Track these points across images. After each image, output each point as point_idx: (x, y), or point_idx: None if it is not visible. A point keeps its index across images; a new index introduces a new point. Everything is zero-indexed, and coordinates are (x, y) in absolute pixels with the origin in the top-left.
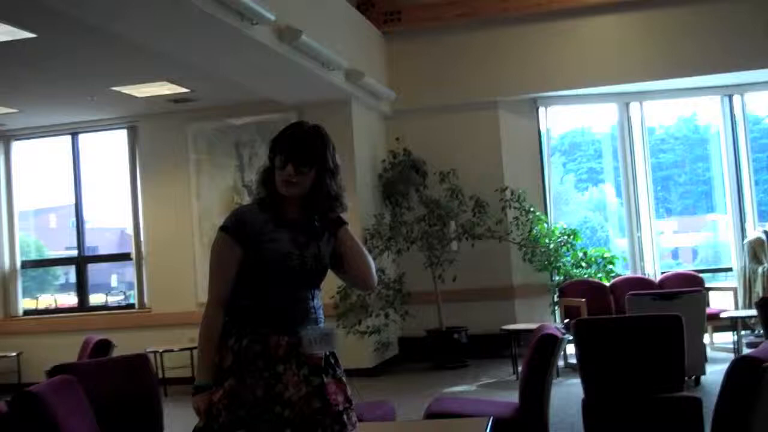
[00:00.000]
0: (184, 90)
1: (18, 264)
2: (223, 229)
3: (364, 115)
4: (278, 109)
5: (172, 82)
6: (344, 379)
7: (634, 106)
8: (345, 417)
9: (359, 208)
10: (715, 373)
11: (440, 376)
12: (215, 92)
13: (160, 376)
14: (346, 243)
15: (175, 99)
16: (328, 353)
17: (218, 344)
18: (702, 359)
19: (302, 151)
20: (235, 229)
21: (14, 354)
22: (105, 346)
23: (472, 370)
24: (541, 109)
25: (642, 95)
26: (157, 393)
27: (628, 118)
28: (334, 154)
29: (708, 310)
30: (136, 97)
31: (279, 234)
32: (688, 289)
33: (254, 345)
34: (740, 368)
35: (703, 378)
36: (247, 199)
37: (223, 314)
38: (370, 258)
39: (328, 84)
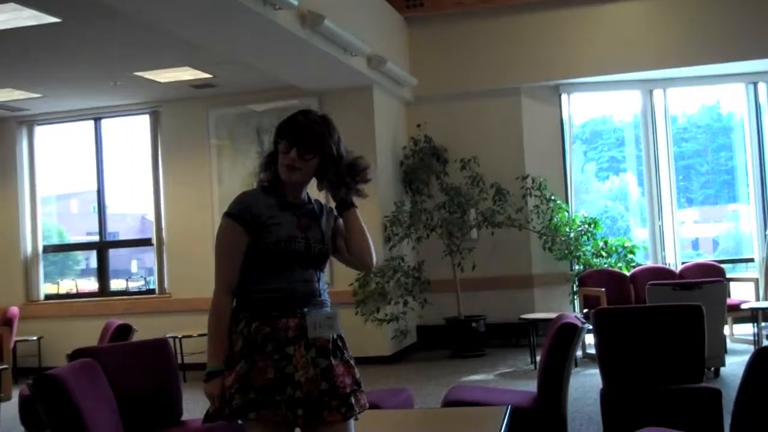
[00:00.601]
0: (206, 75)
1: (40, 249)
2: (228, 215)
3: (385, 101)
4: (300, 95)
5: (194, 67)
6: (352, 362)
7: (657, 94)
8: (352, 399)
9: (379, 194)
10: (734, 365)
11: (458, 364)
12: (237, 78)
13: (179, 361)
14: (354, 224)
15: (197, 84)
16: (335, 336)
17: (228, 330)
18: (722, 350)
19: (307, 137)
20: (240, 215)
21: (35, 338)
22: (125, 330)
23: (490, 359)
24: (564, 96)
25: (666, 82)
26: (177, 377)
27: (652, 106)
28: (340, 145)
29: (728, 301)
30: (159, 83)
31: (283, 217)
32: (709, 279)
33: (263, 328)
34: (762, 359)
35: (722, 369)
36: None
37: (231, 300)
38: (371, 240)
39: (350, 70)
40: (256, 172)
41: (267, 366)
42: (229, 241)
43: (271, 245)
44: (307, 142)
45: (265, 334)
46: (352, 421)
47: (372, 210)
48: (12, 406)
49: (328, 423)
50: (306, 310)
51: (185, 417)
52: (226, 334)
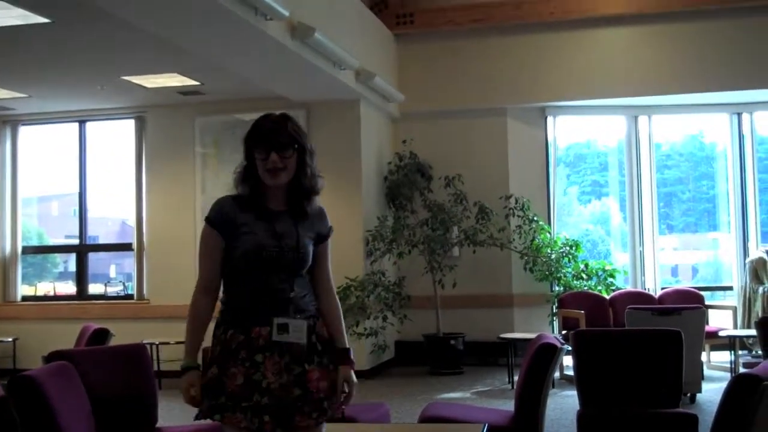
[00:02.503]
0: (194, 82)
1: (19, 250)
2: (206, 219)
3: (372, 115)
4: (287, 106)
5: (182, 73)
6: (332, 367)
7: (642, 120)
8: (326, 404)
9: (363, 208)
10: (711, 392)
11: (435, 381)
12: (225, 86)
13: (156, 368)
14: (324, 253)
15: (185, 91)
16: (314, 341)
17: (204, 329)
18: (699, 377)
19: (282, 137)
20: (215, 219)
21: (10, 339)
22: (102, 335)
23: (467, 377)
24: (550, 119)
25: (651, 109)
26: (153, 384)
27: (636, 132)
28: (307, 137)
29: (707, 328)
30: (146, 88)
31: (257, 226)
32: (688, 305)
33: (238, 335)
34: (740, 385)
35: (699, 396)
36: None
37: (208, 298)
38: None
39: (338, 83)
40: (235, 187)
41: (238, 372)
42: (207, 244)
43: (242, 253)
44: (283, 142)
45: (239, 342)
46: (324, 426)
47: (354, 224)
48: None
49: (301, 428)
50: (276, 318)
51: (160, 423)
52: (199, 332)
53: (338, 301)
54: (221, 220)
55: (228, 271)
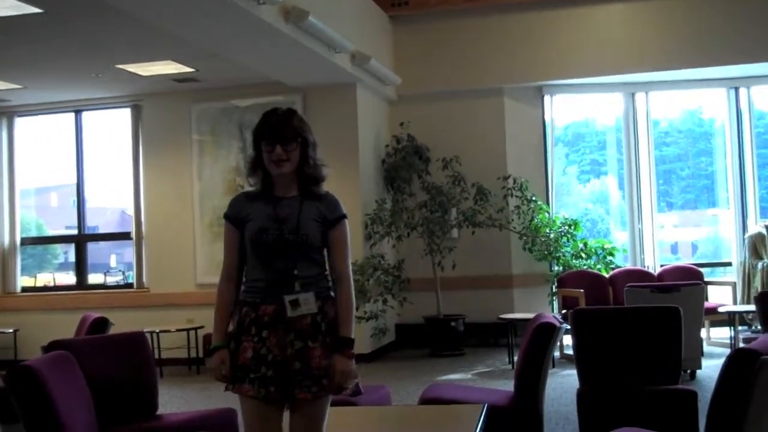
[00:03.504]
0: (189, 70)
1: (18, 241)
2: (224, 216)
3: (368, 99)
4: (283, 91)
5: (178, 61)
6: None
7: (639, 97)
8: (324, 381)
9: (361, 192)
10: (710, 368)
11: (436, 363)
12: (220, 73)
13: (156, 356)
14: (334, 239)
15: (180, 79)
16: (319, 320)
17: (229, 312)
18: (699, 353)
19: (286, 131)
20: (230, 214)
21: (11, 330)
22: (102, 324)
23: (468, 359)
24: (547, 98)
25: (648, 86)
26: (153, 371)
27: (634, 109)
28: (310, 131)
29: (706, 305)
30: (141, 76)
31: (261, 212)
32: (687, 282)
33: (250, 313)
34: (738, 360)
35: (698, 372)
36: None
37: (230, 285)
38: (353, 309)
39: (334, 67)
40: (245, 176)
41: (248, 346)
42: (225, 237)
43: (248, 238)
44: (287, 136)
45: (251, 318)
46: (326, 400)
47: (353, 207)
48: None
49: (299, 400)
50: (284, 297)
51: (161, 411)
52: (225, 315)
53: (351, 289)
54: (234, 214)
55: (245, 256)
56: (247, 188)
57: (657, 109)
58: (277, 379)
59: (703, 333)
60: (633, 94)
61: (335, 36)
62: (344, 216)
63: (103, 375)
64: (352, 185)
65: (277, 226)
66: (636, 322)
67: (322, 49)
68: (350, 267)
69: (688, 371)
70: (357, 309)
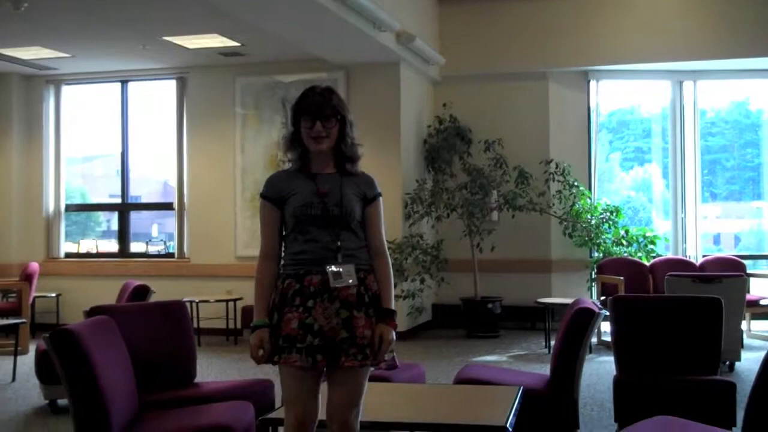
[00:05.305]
0: (235, 43)
1: (62, 208)
2: (261, 195)
3: (412, 78)
4: (327, 68)
5: (223, 34)
6: (375, 320)
7: (687, 86)
8: (368, 351)
9: (402, 171)
10: (750, 361)
11: (472, 344)
12: (265, 47)
13: (195, 325)
14: (372, 215)
15: (225, 52)
16: (362, 291)
17: (270, 290)
18: (738, 345)
19: (326, 108)
20: (268, 193)
21: (54, 295)
22: (143, 291)
23: (504, 341)
24: (592, 83)
25: (696, 74)
26: (192, 341)
27: (681, 98)
28: (348, 110)
29: (748, 297)
30: (187, 48)
31: (303, 187)
32: (729, 273)
33: (294, 284)
34: None
35: (737, 364)
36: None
37: (270, 263)
38: (391, 280)
39: (378, 45)
40: (282, 151)
41: (293, 317)
42: (263, 216)
43: (292, 212)
44: (327, 113)
45: (295, 290)
46: (367, 370)
47: (394, 186)
48: (29, 359)
49: (345, 368)
50: (328, 267)
51: (198, 379)
52: (266, 294)
53: (388, 263)
54: (273, 192)
55: (286, 231)
56: (284, 163)
57: (704, 99)
58: (323, 348)
59: (744, 325)
60: (681, 83)
61: (381, 14)
62: (380, 194)
63: (143, 342)
64: (392, 164)
65: (320, 200)
66: (676, 311)
67: (367, 26)
68: (386, 243)
69: (727, 363)
70: (395, 287)
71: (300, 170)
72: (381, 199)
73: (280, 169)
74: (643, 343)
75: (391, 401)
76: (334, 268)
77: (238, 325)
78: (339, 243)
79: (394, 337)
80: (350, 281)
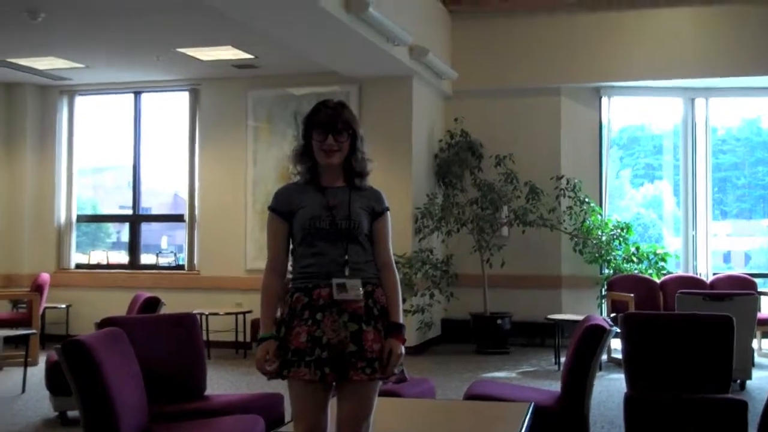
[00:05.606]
0: (248, 56)
1: (74, 218)
2: (269, 208)
3: (424, 92)
4: (339, 82)
5: (237, 47)
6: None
7: (699, 103)
8: (376, 364)
9: (412, 185)
10: (761, 379)
11: (481, 360)
12: (278, 60)
13: (204, 338)
14: (380, 230)
15: (238, 65)
16: (371, 305)
17: (276, 303)
18: (749, 364)
19: (338, 122)
20: (276, 206)
21: (64, 306)
22: (154, 303)
23: (513, 357)
24: (604, 99)
25: (708, 92)
26: (202, 353)
27: (693, 115)
28: (360, 125)
29: (759, 315)
30: (200, 60)
31: (311, 200)
32: (740, 291)
33: (302, 297)
34: None
35: (748, 383)
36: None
37: (276, 276)
38: (399, 293)
39: (391, 59)
40: (292, 164)
41: (302, 331)
42: (271, 228)
43: (300, 226)
44: (339, 127)
45: (303, 303)
46: (377, 384)
47: (404, 200)
48: (39, 371)
49: (354, 382)
50: (334, 279)
51: (208, 392)
52: (272, 306)
53: (396, 278)
54: (282, 204)
55: (295, 244)
56: (294, 176)
57: (715, 117)
58: (332, 361)
59: (755, 344)
60: (692, 100)
61: (394, 28)
62: (388, 209)
63: (154, 354)
64: (403, 178)
65: (328, 213)
66: (687, 329)
67: (380, 40)
68: (393, 257)
69: (738, 381)
70: (404, 302)
71: (309, 183)
72: (389, 213)
73: (289, 182)
74: (654, 361)
75: (401, 416)
76: (339, 281)
77: (248, 338)
78: (346, 257)
79: (404, 351)
80: (355, 296)
